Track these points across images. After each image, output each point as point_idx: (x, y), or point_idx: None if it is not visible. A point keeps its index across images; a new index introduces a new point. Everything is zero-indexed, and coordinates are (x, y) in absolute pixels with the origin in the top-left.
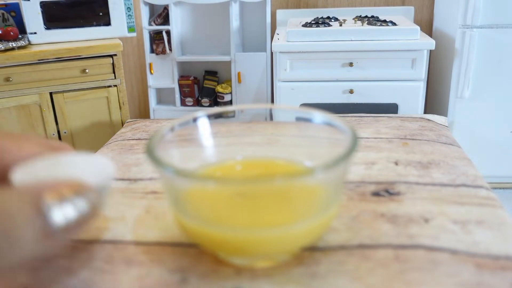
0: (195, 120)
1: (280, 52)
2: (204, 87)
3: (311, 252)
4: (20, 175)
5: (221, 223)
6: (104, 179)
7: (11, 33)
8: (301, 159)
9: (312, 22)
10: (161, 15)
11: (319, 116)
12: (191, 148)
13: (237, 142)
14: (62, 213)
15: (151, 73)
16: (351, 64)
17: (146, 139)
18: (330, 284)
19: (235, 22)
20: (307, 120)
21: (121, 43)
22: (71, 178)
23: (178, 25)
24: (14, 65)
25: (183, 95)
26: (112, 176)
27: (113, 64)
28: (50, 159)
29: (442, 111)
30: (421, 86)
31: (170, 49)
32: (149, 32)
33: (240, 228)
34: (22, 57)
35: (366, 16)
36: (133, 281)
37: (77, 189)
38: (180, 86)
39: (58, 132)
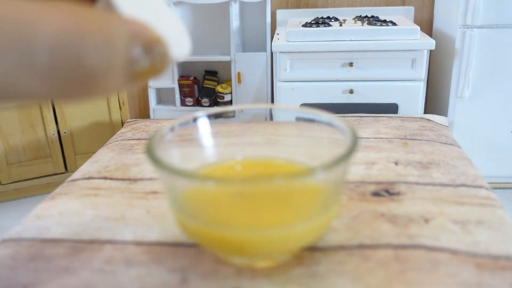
0: (195, 120)
1: (280, 52)
2: (204, 87)
3: (311, 252)
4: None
5: (221, 222)
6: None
7: None
8: (301, 159)
9: (312, 22)
10: None
11: (319, 116)
12: (191, 148)
13: (237, 142)
14: (143, 59)
15: None
16: (351, 64)
17: (146, 139)
18: (330, 284)
19: (235, 22)
20: (307, 120)
21: None
22: (162, 35)
23: None
24: None
25: (183, 95)
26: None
27: None
28: None
29: (442, 111)
30: (421, 86)
31: None
32: None
33: (240, 227)
34: None
35: (366, 16)
36: (133, 281)
37: (162, 49)
38: (180, 86)
39: (58, 132)
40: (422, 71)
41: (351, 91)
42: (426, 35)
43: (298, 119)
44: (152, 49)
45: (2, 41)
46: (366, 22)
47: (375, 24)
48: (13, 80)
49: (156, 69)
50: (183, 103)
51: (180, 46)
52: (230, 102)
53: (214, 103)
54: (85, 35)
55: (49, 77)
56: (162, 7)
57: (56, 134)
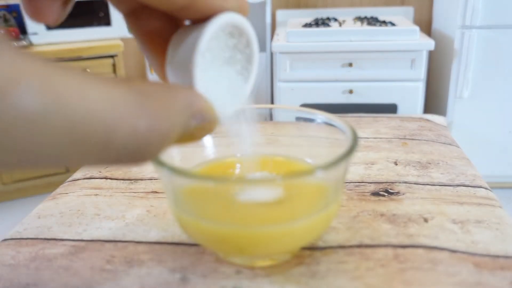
0: None
1: (280, 52)
2: None
3: (311, 251)
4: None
5: (221, 221)
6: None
7: (12, 34)
8: (301, 159)
9: (312, 23)
10: None
11: (319, 116)
12: (191, 148)
13: (237, 142)
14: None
15: (151, 73)
16: (350, 65)
17: None
18: (329, 284)
19: None
20: (307, 120)
21: (122, 44)
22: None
23: None
24: None
25: None
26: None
27: (114, 64)
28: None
29: (441, 111)
30: (420, 87)
31: None
32: None
33: (240, 226)
34: None
35: (365, 17)
36: (133, 280)
37: (214, 124)
38: None
39: None
40: (421, 72)
41: (350, 91)
42: (426, 36)
43: (298, 119)
44: (203, 124)
45: (90, 140)
46: (366, 22)
47: (375, 25)
48: (83, 163)
49: (200, 137)
50: None
51: (228, 111)
52: None
53: None
54: (153, 136)
55: (114, 162)
56: (236, 76)
57: None
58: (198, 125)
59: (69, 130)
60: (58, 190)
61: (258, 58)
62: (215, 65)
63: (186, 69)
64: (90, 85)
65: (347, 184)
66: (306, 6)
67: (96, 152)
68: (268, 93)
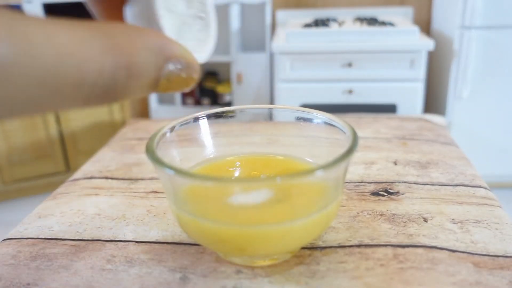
0: (195, 120)
1: (280, 52)
2: (204, 87)
3: (311, 251)
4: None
5: (221, 220)
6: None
7: None
8: (302, 158)
9: (312, 23)
10: None
11: (319, 116)
12: (192, 148)
13: (237, 142)
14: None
15: None
16: (350, 65)
17: (147, 139)
18: (329, 283)
19: (235, 23)
20: (307, 120)
21: None
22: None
23: None
24: None
25: (183, 95)
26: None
27: None
28: None
29: (441, 111)
30: (420, 87)
31: None
32: None
33: (240, 225)
34: None
35: (365, 18)
36: (133, 279)
37: (191, 66)
38: None
39: (61, 131)
40: (420, 72)
41: (350, 92)
42: (425, 36)
43: (298, 119)
44: (182, 69)
45: (60, 81)
46: (365, 23)
47: (374, 25)
48: (57, 106)
49: (181, 81)
50: (183, 103)
51: (200, 53)
52: (229, 103)
53: (214, 103)
54: (119, 73)
55: (88, 102)
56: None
57: (58, 134)
58: (177, 71)
59: (40, 74)
60: (59, 190)
61: (214, 16)
62: (177, 19)
63: (151, 21)
64: (58, 30)
65: (347, 184)
66: (305, 5)
67: (68, 93)
68: (268, 93)
